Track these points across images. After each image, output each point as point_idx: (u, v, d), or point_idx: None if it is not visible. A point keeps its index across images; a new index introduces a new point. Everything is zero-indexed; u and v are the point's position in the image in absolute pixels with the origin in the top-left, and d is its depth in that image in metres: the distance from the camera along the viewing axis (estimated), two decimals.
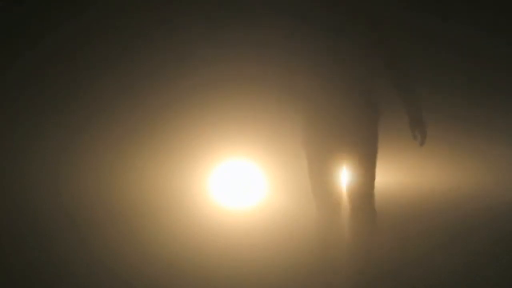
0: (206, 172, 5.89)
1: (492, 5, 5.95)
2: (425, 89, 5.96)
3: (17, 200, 5.80)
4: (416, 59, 5.86)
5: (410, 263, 5.18)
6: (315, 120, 4.62)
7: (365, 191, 4.67)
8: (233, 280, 4.90)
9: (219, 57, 5.84)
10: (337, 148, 4.61)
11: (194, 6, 5.85)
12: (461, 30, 5.91)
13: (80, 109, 5.88)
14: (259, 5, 5.79)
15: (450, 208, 5.92)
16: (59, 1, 5.83)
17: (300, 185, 5.48)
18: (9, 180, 5.84)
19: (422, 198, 6.02)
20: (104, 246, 5.35)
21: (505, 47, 5.95)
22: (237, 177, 5.90)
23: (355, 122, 4.59)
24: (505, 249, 5.41)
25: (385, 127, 4.77)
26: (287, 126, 4.81)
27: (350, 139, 4.59)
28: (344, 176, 4.71)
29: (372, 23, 4.54)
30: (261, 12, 5.79)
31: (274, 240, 5.47)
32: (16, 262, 5.19)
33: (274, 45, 4.92)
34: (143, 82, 5.87)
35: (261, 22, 5.77)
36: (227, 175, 5.90)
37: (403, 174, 6.05)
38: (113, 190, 5.81)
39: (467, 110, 6.03)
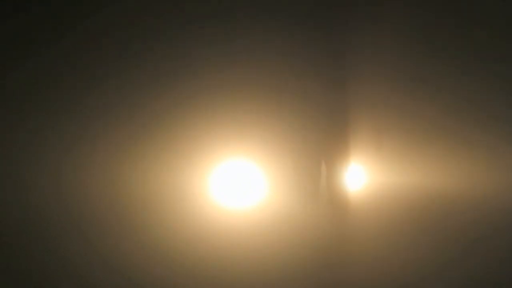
0: (206, 172, 5.89)
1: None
2: (439, 87, 5.93)
3: (20, 202, 5.80)
4: (419, 57, 5.85)
5: (411, 266, 5.18)
6: (311, 119, 4.62)
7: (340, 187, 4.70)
8: (233, 279, 4.90)
9: (219, 60, 5.84)
10: (327, 146, 4.63)
11: (194, 10, 5.85)
12: (467, 27, 5.89)
13: (83, 111, 5.88)
14: (259, 9, 5.79)
15: (462, 210, 5.90)
16: (61, 7, 5.83)
17: (300, 185, 5.48)
18: (13, 182, 5.84)
19: (430, 198, 6.01)
20: (106, 246, 5.35)
21: (506, 45, 5.93)
22: (237, 177, 5.89)
23: (351, 122, 4.60)
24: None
25: (388, 127, 4.78)
26: (287, 126, 4.82)
27: (342, 137, 4.61)
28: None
29: (372, 24, 4.55)
30: (261, 15, 5.79)
31: (274, 240, 5.46)
32: (20, 263, 5.19)
33: (275, 48, 4.93)
34: (144, 85, 5.87)
35: (261, 26, 5.77)
36: (227, 175, 5.90)
37: (413, 175, 6.04)
38: (114, 190, 5.81)
39: (478, 107, 6.00)
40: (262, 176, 5.90)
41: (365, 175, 5.74)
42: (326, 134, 4.74)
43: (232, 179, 5.89)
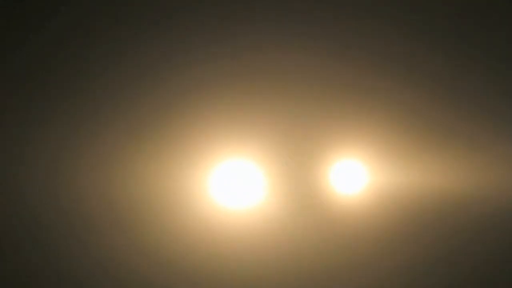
0: (206, 172, 5.89)
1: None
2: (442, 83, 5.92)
3: (13, 201, 5.80)
4: (421, 57, 5.84)
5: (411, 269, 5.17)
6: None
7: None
8: (233, 280, 4.90)
9: (219, 57, 5.84)
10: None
11: (191, 3, 5.85)
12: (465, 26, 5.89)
13: (79, 109, 5.87)
14: (258, 3, 5.79)
15: (468, 211, 5.87)
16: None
17: (301, 185, 5.48)
18: (7, 182, 5.83)
19: (435, 199, 5.99)
20: (103, 247, 5.35)
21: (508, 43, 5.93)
22: (237, 177, 5.89)
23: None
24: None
25: (390, 125, 4.77)
26: (287, 125, 4.82)
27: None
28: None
29: (376, 19, 4.55)
30: (259, 11, 5.80)
31: (274, 240, 5.46)
32: (12, 263, 5.18)
33: (277, 43, 4.92)
34: (142, 81, 5.87)
35: (259, 22, 5.77)
36: (227, 175, 5.90)
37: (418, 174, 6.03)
38: (112, 191, 5.80)
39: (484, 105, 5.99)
40: (262, 176, 5.89)
41: (366, 175, 5.73)
42: (327, 134, 4.74)
43: (232, 179, 5.89)
